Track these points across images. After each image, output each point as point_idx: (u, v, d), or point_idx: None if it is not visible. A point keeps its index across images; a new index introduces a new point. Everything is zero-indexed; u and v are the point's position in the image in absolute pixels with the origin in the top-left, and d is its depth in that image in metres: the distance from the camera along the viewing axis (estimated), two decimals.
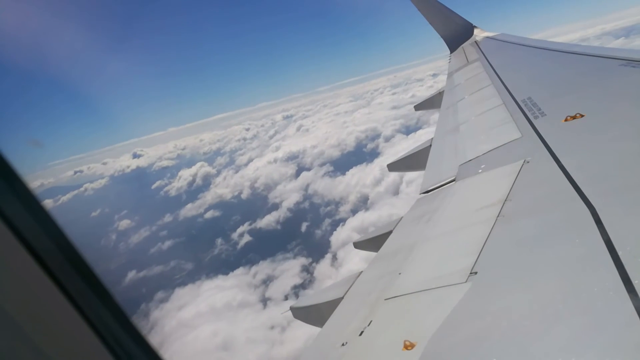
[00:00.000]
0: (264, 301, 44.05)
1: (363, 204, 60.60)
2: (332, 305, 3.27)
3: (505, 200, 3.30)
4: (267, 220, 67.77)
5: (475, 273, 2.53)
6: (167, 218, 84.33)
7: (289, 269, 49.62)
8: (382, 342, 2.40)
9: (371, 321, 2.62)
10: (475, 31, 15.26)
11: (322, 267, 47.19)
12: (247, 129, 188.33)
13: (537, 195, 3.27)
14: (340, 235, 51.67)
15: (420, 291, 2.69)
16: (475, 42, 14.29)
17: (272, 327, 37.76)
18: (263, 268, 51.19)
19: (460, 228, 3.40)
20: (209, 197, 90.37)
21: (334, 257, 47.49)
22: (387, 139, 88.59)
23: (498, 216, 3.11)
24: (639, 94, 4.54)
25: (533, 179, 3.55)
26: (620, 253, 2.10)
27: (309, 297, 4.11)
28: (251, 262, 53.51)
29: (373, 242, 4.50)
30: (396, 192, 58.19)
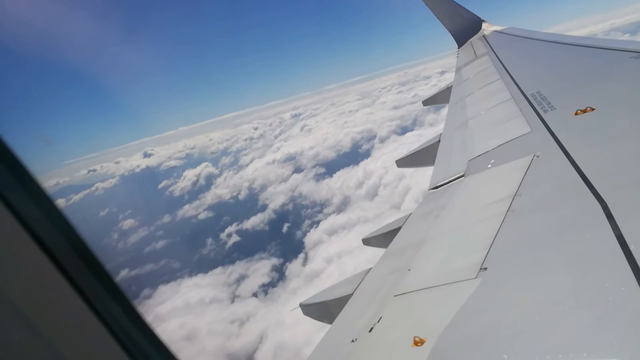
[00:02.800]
0: (233, 298, 48.58)
1: (340, 206, 64.41)
2: (342, 302, 3.27)
3: (515, 195, 3.28)
4: (253, 222, 72.04)
5: (485, 269, 2.51)
6: (166, 218, 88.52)
7: (261, 269, 54.18)
8: (391, 338, 2.40)
9: (381, 317, 2.62)
10: (484, 25, 15.14)
11: (294, 267, 51.12)
12: (256, 128, 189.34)
13: (547, 190, 3.24)
14: (312, 237, 55.73)
15: (430, 287, 2.68)
16: (484, 36, 14.19)
17: (233, 322, 42.32)
18: (239, 267, 55.89)
19: (469, 224, 3.38)
20: (208, 197, 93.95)
21: (306, 257, 51.35)
22: (382, 140, 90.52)
23: (508, 211, 3.09)
24: None
25: (543, 173, 3.52)
26: (632, 247, 2.08)
27: (319, 295, 4.11)
28: (231, 262, 58.29)
29: (382, 238, 4.49)
30: (374, 194, 61.32)
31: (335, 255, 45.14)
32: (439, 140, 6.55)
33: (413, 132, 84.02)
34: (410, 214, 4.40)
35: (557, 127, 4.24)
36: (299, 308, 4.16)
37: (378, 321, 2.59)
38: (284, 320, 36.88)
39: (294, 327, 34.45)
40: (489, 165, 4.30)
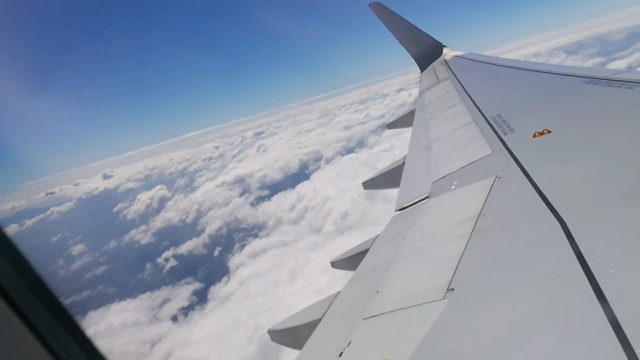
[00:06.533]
0: (152, 321, 51.03)
1: (268, 230, 67.62)
2: (311, 327, 3.22)
3: (479, 216, 3.34)
4: (189, 246, 74.45)
5: (452, 289, 2.54)
6: (112, 243, 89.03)
7: (183, 292, 57.22)
8: None
9: (350, 341, 2.59)
10: (445, 50, 15.61)
11: (215, 290, 53.63)
12: (217, 147, 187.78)
13: (509, 210, 3.33)
14: (236, 260, 58.84)
15: (399, 309, 2.68)
16: (445, 60, 14.62)
17: (145, 342, 45.00)
18: (164, 292, 58.42)
19: (435, 245, 3.42)
20: (157, 221, 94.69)
21: (228, 280, 54.13)
22: (328, 161, 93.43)
23: (472, 232, 3.14)
24: (600, 111, 4.72)
25: (505, 194, 3.61)
26: (590, 265, 2.15)
27: (287, 320, 4.02)
28: (158, 287, 60.76)
29: (350, 261, 4.47)
30: (302, 218, 64.47)
31: (247, 278, 48.88)
32: (404, 163, 6.63)
33: (349, 155, 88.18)
34: (378, 235, 4.41)
35: (517, 149, 4.38)
36: (267, 335, 4.06)
37: (348, 345, 2.55)
38: (190, 339, 41.02)
39: (197, 345, 38.73)
40: (453, 187, 4.37)
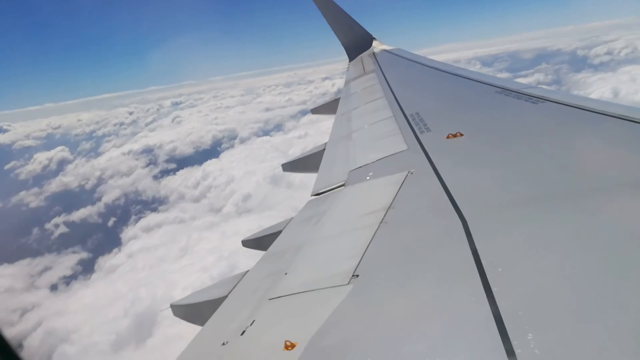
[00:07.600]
0: (28, 289, 49.37)
1: (167, 205, 67.39)
2: (215, 304, 3.20)
3: (389, 208, 3.48)
4: (82, 213, 71.67)
5: (357, 276, 2.64)
6: None
7: (67, 261, 55.53)
8: (263, 342, 2.41)
9: (254, 321, 2.61)
10: (374, 43, 15.89)
11: (103, 261, 52.91)
12: (131, 113, 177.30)
13: (417, 205, 3.50)
14: (130, 233, 58.55)
15: (304, 292, 2.74)
16: (373, 53, 14.88)
17: (15, 311, 43.36)
18: (46, 259, 56.30)
19: (345, 232, 3.52)
20: (53, 184, 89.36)
21: (118, 252, 53.58)
22: (243, 141, 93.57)
23: (381, 222, 3.27)
24: (510, 120, 5.08)
25: (415, 189, 3.78)
26: (483, 262, 2.32)
27: (191, 296, 3.95)
28: (41, 253, 58.49)
29: (262, 241, 4.47)
30: (203, 196, 65.15)
31: (136, 251, 48.74)
32: (324, 149, 6.72)
33: (263, 137, 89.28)
34: (292, 218, 4.45)
35: (430, 148, 4.58)
36: (170, 309, 3.95)
37: (251, 324, 2.58)
38: (66, 309, 39.82)
39: (71, 315, 37.90)
40: (368, 177, 4.50)
